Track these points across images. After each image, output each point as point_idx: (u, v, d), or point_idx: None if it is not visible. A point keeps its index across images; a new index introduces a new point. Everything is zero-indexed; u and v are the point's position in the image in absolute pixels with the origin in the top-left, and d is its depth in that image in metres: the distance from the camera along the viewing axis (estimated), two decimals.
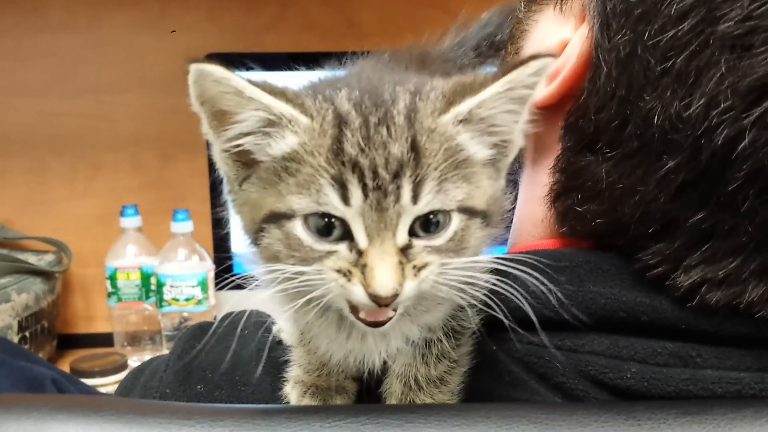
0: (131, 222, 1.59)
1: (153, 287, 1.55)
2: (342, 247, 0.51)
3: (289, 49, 1.66)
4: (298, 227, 0.51)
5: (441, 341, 0.60)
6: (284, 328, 0.67)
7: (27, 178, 1.71)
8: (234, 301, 1.51)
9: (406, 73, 0.61)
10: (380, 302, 0.50)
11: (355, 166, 0.50)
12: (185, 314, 1.50)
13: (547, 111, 0.65)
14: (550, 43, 0.66)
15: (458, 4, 1.69)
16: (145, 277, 1.57)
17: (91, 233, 1.70)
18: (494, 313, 0.56)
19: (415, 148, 0.51)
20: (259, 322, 0.68)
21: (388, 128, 0.51)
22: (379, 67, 0.67)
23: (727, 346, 0.57)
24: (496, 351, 0.59)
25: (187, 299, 1.49)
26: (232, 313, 0.73)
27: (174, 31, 1.67)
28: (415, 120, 0.52)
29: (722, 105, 0.52)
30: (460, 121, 0.54)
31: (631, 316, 0.58)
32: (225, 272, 1.49)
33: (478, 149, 0.56)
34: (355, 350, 0.59)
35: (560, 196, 0.64)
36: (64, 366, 1.51)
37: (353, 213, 0.50)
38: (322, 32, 1.70)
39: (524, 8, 0.74)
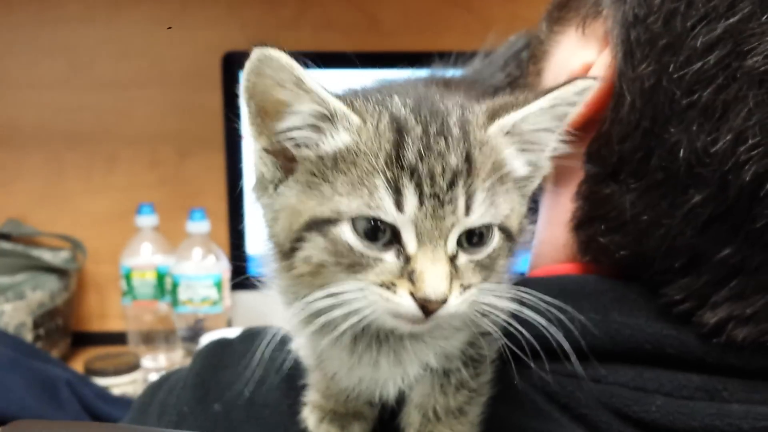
0: (147, 221, 1.57)
1: (168, 287, 1.54)
2: (389, 255, 0.50)
3: (308, 48, 1.64)
4: (346, 231, 0.50)
5: (460, 370, 0.59)
6: (302, 346, 0.66)
7: (43, 173, 1.71)
8: (249, 303, 1.51)
9: (447, 90, 0.60)
10: (429, 308, 0.49)
11: (414, 173, 0.49)
12: (200, 315, 1.49)
13: (569, 135, 0.64)
14: (573, 65, 0.65)
15: (481, 2, 1.67)
16: (161, 277, 1.56)
17: (106, 230, 1.70)
18: (515, 342, 0.55)
19: (469, 159, 0.51)
20: (279, 341, 0.67)
21: (446, 138, 0.51)
22: (416, 84, 0.65)
23: (755, 380, 0.56)
24: (516, 380, 0.58)
25: (203, 300, 1.49)
26: (252, 329, 0.72)
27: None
28: (469, 132, 0.52)
29: (750, 141, 0.52)
30: (506, 134, 0.54)
31: (657, 348, 0.57)
32: (240, 273, 1.48)
33: (518, 166, 0.55)
34: (366, 376, 0.58)
35: (583, 224, 0.63)
36: (78, 364, 1.51)
37: (405, 220, 0.49)
38: (342, 30, 1.68)
39: (546, 29, 0.72)
